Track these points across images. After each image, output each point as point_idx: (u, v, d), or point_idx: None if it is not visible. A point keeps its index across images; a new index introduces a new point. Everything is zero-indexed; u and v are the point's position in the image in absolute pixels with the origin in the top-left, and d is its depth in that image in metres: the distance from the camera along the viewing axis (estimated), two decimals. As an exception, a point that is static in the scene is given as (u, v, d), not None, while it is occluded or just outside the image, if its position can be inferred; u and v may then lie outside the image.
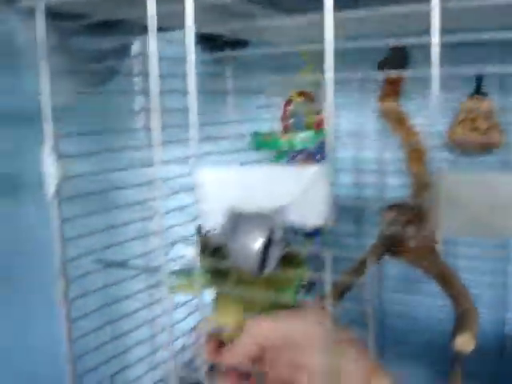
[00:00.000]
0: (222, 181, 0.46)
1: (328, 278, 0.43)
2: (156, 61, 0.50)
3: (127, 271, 0.70)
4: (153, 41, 0.50)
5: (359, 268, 0.75)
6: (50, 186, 0.58)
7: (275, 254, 0.45)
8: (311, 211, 0.43)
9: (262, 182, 0.44)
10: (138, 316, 0.73)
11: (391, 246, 0.80)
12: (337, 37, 0.41)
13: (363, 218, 1.01)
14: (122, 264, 0.70)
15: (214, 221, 0.47)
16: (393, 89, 0.93)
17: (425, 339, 0.99)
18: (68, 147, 0.60)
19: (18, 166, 1.35)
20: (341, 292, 0.75)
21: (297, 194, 0.43)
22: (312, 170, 0.42)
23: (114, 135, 0.82)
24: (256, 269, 0.44)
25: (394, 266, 0.99)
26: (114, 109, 0.71)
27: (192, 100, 0.47)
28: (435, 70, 0.40)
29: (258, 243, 0.43)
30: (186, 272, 0.55)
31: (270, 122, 1.05)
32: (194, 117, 0.47)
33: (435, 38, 0.40)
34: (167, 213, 0.52)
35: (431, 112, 0.40)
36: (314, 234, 0.99)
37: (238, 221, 0.45)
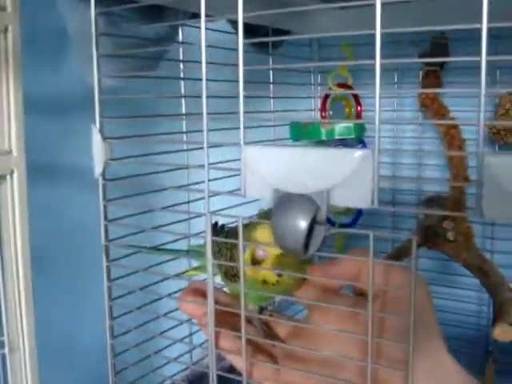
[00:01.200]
0: (268, 160, 0.47)
1: (371, 259, 0.44)
2: (204, 48, 0.50)
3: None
4: (203, 28, 0.50)
5: (398, 256, 0.75)
6: (97, 166, 0.60)
7: (319, 235, 0.45)
8: (357, 194, 0.44)
9: (308, 163, 0.45)
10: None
11: (429, 237, 0.80)
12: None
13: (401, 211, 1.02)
14: (160, 248, 0.71)
15: (258, 196, 0.48)
16: (433, 80, 0.93)
17: (458, 333, 0.99)
18: (113, 131, 0.62)
19: (62, 151, 1.38)
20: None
21: (343, 176, 0.43)
22: (359, 153, 0.43)
23: (159, 121, 0.84)
24: (301, 249, 0.45)
25: (427, 258, 0.99)
26: (160, 94, 0.72)
27: (240, 82, 0.48)
28: (483, 59, 0.39)
29: (303, 224, 0.44)
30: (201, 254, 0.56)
31: (309, 113, 1.06)
32: (241, 96, 0.48)
33: (484, 25, 0.39)
34: (212, 196, 0.52)
35: (479, 101, 0.40)
36: (350, 224, 0.99)
37: (283, 201, 0.46)
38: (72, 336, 1.44)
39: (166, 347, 0.71)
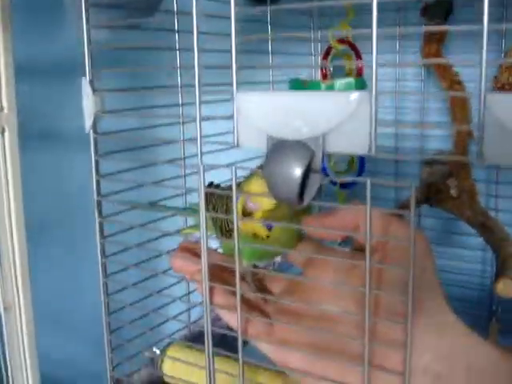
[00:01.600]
0: (261, 106, 0.45)
1: (368, 207, 0.42)
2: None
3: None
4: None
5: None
6: (87, 119, 0.58)
7: (315, 183, 0.44)
8: (353, 140, 0.42)
9: (303, 108, 0.43)
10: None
11: (432, 195, 0.79)
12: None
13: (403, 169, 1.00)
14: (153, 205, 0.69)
15: (252, 146, 0.46)
16: (436, 35, 0.90)
17: (462, 293, 0.98)
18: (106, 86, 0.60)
19: (59, 116, 1.36)
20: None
21: (339, 120, 0.42)
22: (356, 95, 0.41)
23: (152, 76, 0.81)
24: (295, 198, 0.43)
25: (431, 217, 0.98)
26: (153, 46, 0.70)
27: (232, 36, 0.46)
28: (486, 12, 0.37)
29: (297, 171, 0.42)
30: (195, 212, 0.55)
31: (309, 69, 1.03)
32: (233, 44, 0.46)
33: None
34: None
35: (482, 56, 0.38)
36: (349, 185, 0.98)
37: (276, 148, 0.44)
38: (70, 296, 1.44)
39: (164, 306, 0.70)
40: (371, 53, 0.40)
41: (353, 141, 0.42)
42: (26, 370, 0.76)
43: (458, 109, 0.88)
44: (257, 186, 0.53)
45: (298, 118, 0.43)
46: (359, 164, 0.94)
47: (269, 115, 0.44)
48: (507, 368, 0.43)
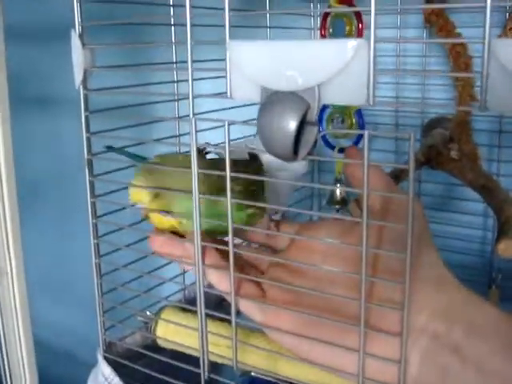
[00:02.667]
0: (255, 57, 0.43)
1: (366, 163, 0.40)
2: None
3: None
4: None
5: (397, 177, 0.72)
6: (77, 74, 0.56)
7: (310, 136, 0.42)
8: (351, 90, 0.40)
9: (298, 58, 0.41)
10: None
11: (432, 157, 0.77)
12: None
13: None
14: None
15: (245, 98, 0.44)
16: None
17: (462, 259, 0.96)
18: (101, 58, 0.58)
19: (52, 79, 1.34)
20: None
21: (335, 70, 0.40)
22: (352, 43, 0.39)
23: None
24: (290, 152, 0.41)
25: (431, 183, 0.96)
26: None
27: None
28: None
29: (292, 124, 0.40)
30: None
31: (308, 31, 1.01)
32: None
33: None
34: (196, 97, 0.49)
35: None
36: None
37: (270, 100, 0.42)
38: (64, 261, 1.44)
39: (159, 268, 0.69)
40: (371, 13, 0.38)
41: (350, 91, 0.40)
42: (19, 335, 0.75)
43: (461, 70, 0.86)
44: (140, 182, 0.54)
45: (292, 68, 0.41)
46: (359, 128, 0.92)
47: (263, 65, 0.43)
48: (507, 328, 0.42)
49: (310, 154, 0.43)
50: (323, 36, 0.94)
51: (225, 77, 0.45)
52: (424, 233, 0.47)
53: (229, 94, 0.45)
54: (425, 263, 0.45)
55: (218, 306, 0.54)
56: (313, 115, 0.41)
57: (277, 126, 0.41)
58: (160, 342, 0.66)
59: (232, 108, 0.65)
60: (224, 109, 0.64)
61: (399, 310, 0.42)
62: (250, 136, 0.71)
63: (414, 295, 0.43)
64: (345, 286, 0.48)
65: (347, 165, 0.54)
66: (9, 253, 0.72)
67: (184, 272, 0.73)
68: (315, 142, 0.43)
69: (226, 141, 0.46)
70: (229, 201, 0.48)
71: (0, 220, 0.71)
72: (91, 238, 0.60)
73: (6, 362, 0.74)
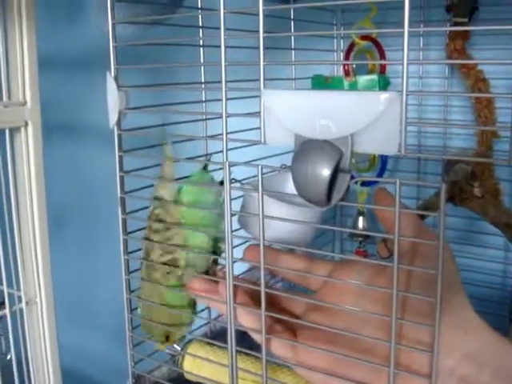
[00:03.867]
0: (289, 105, 0.45)
1: (397, 208, 0.41)
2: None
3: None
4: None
5: (426, 209, 0.73)
6: (111, 115, 0.58)
7: (343, 183, 0.43)
8: (383, 140, 0.41)
9: (331, 108, 0.43)
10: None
11: (456, 193, 0.78)
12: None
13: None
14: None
15: (279, 144, 0.46)
16: (460, 32, 0.89)
17: (483, 293, 0.97)
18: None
19: (80, 110, 1.37)
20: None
21: (368, 120, 0.41)
22: (385, 96, 0.40)
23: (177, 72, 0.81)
24: (323, 198, 0.43)
25: (453, 217, 0.97)
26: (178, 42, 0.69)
27: (260, 24, 0.45)
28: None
29: (326, 172, 0.42)
30: None
31: (332, 66, 1.03)
32: (261, 36, 0.45)
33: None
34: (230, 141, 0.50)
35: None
36: (371, 182, 0.97)
37: (304, 148, 0.43)
38: (90, 292, 1.45)
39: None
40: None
41: (382, 141, 0.41)
42: (47, 364, 0.76)
43: (483, 107, 0.87)
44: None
45: (326, 117, 0.43)
46: (381, 162, 0.93)
47: (296, 114, 0.44)
48: None
49: (342, 199, 0.44)
50: (346, 71, 0.95)
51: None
52: (453, 276, 0.48)
53: (262, 140, 0.47)
54: (453, 307, 0.46)
55: (240, 339, 0.55)
56: (346, 163, 0.43)
57: (311, 173, 0.42)
58: (187, 376, 0.67)
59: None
60: (252, 128, 0.65)
61: (428, 353, 0.43)
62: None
63: (442, 338, 0.43)
64: (377, 326, 0.48)
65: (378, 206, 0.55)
66: (38, 282, 0.73)
67: (209, 307, 0.74)
68: (348, 187, 0.44)
69: (260, 184, 0.47)
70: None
71: (30, 248, 0.72)
72: (123, 273, 0.62)
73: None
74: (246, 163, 0.50)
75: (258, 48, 0.46)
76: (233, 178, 0.61)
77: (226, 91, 0.49)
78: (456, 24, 0.90)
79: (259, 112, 0.46)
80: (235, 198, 0.57)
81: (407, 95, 0.40)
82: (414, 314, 0.46)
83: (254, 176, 0.66)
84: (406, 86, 0.39)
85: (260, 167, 0.47)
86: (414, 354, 0.45)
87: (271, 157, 0.75)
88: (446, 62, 0.93)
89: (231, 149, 0.51)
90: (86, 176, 1.43)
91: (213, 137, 0.56)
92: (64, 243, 1.42)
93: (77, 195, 1.46)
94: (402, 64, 0.40)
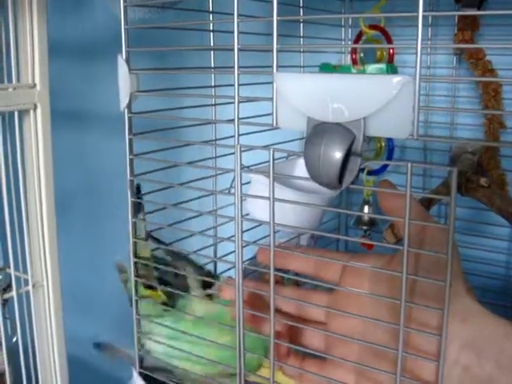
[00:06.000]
0: (302, 88, 0.45)
1: (408, 191, 0.42)
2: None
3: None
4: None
5: (430, 201, 0.73)
6: (122, 98, 0.58)
7: (355, 166, 0.43)
8: (395, 124, 0.41)
9: (344, 91, 0.43)
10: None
11: (462, 183, 0.78)
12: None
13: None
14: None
15: (292, 128, 0.46)
16: (469, 23, 0.89)
17: (486, 283, 0.97)
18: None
19: (89, 95, 1.37)
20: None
21: (381, 104, 0.41)
22: (398, 79, 0.40)
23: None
24: (335, 181, 0.43)
25: (458, 207, 0.97)
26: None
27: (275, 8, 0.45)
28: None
29: (338, 154, 0.42)
30: None
31: (339, 55, 1.02)
32: (275, 25, 0.46)
33: None
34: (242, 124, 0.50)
35: None
36: (378, 171, 0.97)
37: (316, 131, 0.44)
38: (95, 278, 1.45)
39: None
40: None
41: (394, 124, 0.41)
42: (53, 347, 0.76)
43: (490, 97, 0.87)
44: None
45: (338, 100, 0.43)
46: (388, 151, 0.93)
47: (309, 97, 0.44)
48: None
49: (353, 182, 0.44)
50: (354, 60, 0.95)
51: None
52: (454, 263, 0.48)
53: (275, 123, 0.47)
54: (452, 294, 0.46)
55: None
56: (358, 146, 0.43)
57: (323, 157, 0.42)
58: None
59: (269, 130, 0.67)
60: (263, 115, 0.65)
61: (437, 337, 0.44)
62: (293, 155, 0.72)
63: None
64: (387, 330, 0.49)
65: (382, 196, 0.54)
66: (45, 265, 0.74)
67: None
68: (359, 171, 0.44)
69: (271, 167, 0.47)
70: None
71: (38, 231, 0.72)
72: (131, 256, 0.62)
73: (39, 375, 0.75)
74: (258, 147, 0.50)
75: (269, 34, 0.46)
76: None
77: (238, 75, 0.49)
78: (464, 15, 0.90)
79: (271, 97, 0.46)
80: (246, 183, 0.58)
81: (420, 79, 0.40)
82: (422, 299, 0.46)
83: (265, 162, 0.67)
84: (419, 69, 0.40)
85: (272, 150, 0.47)
86: (423, 339, 0.46)
87: (282, 143, 0.75)
88: (454, 47, 0.92)
89: (242, 134, 0.51)
90: (93, 162, 1.43)
91: (224, 121, 0.56)
92: (70, 228, 1.43)
93: (83, 180, 1.46)
94: (416, 47, 0.40)
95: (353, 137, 0.42)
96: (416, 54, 0.40)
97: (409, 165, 0.41)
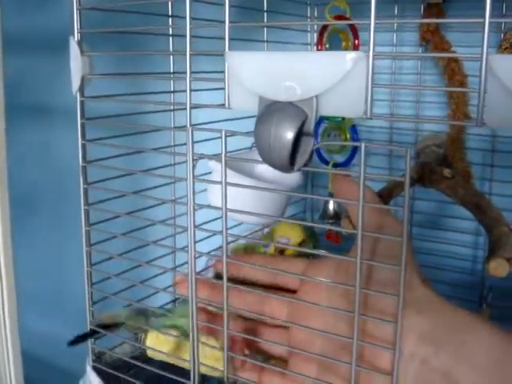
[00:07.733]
0: (253, 67, 0.43)
1: (362, 175, 0.40)
2: None
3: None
4: None
5: (390, 193, 0.72)
6: (74, 81, 0.56)
7: (307, 147, 0.42)
8: (348, 102, 0.40)
9: (296, 69, 0.41)
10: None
11: (425, 174, 0.77)
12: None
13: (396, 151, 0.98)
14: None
15: (243, 108, 0.44)
16: (435, 12, 0.88)
17: (453, 278, 0.96)
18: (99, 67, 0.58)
19: (48, 90, 1.34)
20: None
21: (333, 81, 0.40)
22: (351, 55, 0.39)
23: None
24: (286, 162, 0.42)
25: (423, 200, 0.96)
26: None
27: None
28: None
29: (289, 134, 0.41)
30: None
31: (305, 46, 1.01)
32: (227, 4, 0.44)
33: None
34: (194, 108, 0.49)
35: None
36: (343, 164, 0.96)
37: (268, 110, 0.42)
38: (57, 278, 1.43)
39: (151, 278, 0.69)
40: (367, 30, 0.38)
41: (348, 103, 0.40)
42: (8, 346, 0.74)
43: (456, 87, 0.87)
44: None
45: (290, 78, 0.41)
46: (353, 140, 0.92)
47: (261, 76, 0.43)
48: (499, 351, 0.41)
49: (305, 165, 0.43)
50: (320, 50, 0.94)
51: (222, 89, 0.46)
52: (407, 255, 0.47)
53: (227, 104, 0.45)
54: (407, 285, 0.44)
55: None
56: (310, 126, 0.42)
57: (274, 136, 0.41)
58: (149, 353, 0.65)
59: (229, 120, 0.65)
60: (220, 120, 0.64)
61: (392, 324, 0.42)
62: (246, 148, 0.71)
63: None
64: (349, 323, 0.48)
65: (336, 183, 0.53)
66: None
67: (175, 283, 0.73)
68: (311, 153, 0.43)
69: (223, 150, 0.46)
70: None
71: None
72: (83, 245, 0.60)
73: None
74: (209, 130, 0.49)
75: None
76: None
77: (190, 55, 0.48)
78: (430, 5, 0.89)
79: (223, 78, 0.45)
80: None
81: (374, 55, 0.39)
82: (378, 287, 0.45)
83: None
84: (372, 45, 0.38)
85: (224, 131, 0.46)
86: (379, 327, 0.44)
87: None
88: (419, 22, 0.92)
89: (198, 141, 0.50)
90: (53, 156, 1.40)
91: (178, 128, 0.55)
92: (33, 228, 1.40)
93: (47, 179, 1.43)
94: (370, 24, 0.39)
95: (305, 116, 0.41)
96: (369, 30, 0.39)
97: (362, 145, 0.40)
